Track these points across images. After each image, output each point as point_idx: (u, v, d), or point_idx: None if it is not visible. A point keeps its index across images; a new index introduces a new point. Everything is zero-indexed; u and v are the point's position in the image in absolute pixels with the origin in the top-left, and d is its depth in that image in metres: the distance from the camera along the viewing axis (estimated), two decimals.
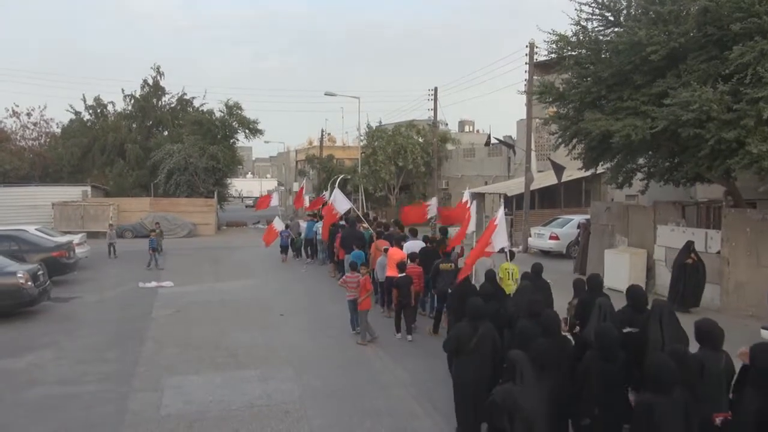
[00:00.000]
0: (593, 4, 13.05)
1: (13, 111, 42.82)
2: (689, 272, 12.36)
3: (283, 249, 21.79)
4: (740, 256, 12.28)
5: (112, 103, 44.06)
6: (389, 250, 12.29)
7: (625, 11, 12.91)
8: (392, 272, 11.29)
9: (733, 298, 12.31)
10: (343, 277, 11.68)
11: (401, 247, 12.40)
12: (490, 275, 8.66)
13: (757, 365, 4.45)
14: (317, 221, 20.57)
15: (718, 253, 12.57)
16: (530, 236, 22.54)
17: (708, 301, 12.76)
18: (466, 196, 13.78)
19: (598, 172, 17.37)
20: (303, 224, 22.08)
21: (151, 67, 42.94)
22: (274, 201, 25.47)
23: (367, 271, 11.16)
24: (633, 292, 6.81)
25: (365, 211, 28.13)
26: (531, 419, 4.91)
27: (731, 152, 10.57)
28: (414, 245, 12.82)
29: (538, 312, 6.24)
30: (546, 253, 21.07)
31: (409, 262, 11.56)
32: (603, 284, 7.96)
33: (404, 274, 10.85)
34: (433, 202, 17.11)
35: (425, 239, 13.45)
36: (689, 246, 12.47)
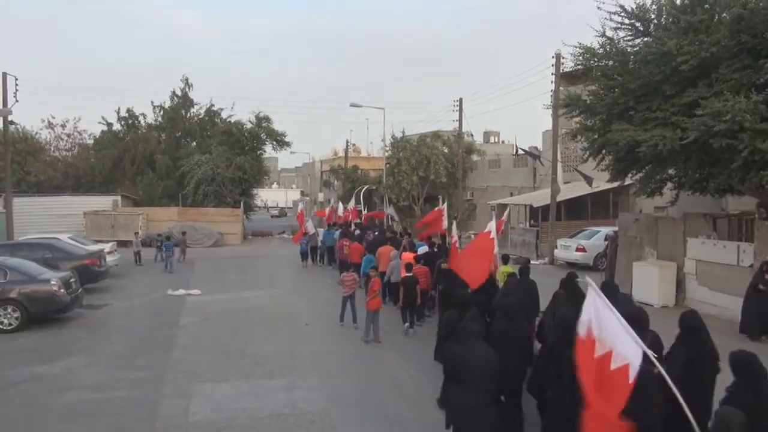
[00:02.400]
0: (622, 14, 12.93)
1: (49, 122, 44.24)
2: (764, 297, 11.09)
3: (303, 256, 22.71)
4: None
5: (143, 115, 45.10)
6: (402, 255, 13.99)
7: (655, 20, 12.76)
8: (404, 273, 12.50)
9: None
10: (341, 276, 12.88)
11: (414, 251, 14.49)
12: None
13: (682, 326, 5.87)
14: (336, 230, 22.23)
15: (751, 266, 12.29)
16: (556, 248, 22.31)
17: (740, 315, 12.46)
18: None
19: (626, 183, 17.17)
20: (320, 232, 23.50)
21: (180, 79, 43.80)
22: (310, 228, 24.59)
23: (376, 273, 12.21)
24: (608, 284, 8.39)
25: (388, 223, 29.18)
26: (469, 375, 5.69)
27: (765, 163, 10.35)
28: (425, 250, 14.92)
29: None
30: (572, 265, 20.81)
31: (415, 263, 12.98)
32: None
33: (410, 274, 12.06)
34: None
35: (431, 245, 15.21)
36: (762, 267, 11.37)
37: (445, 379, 7.08)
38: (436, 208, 18.73)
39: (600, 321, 4.70)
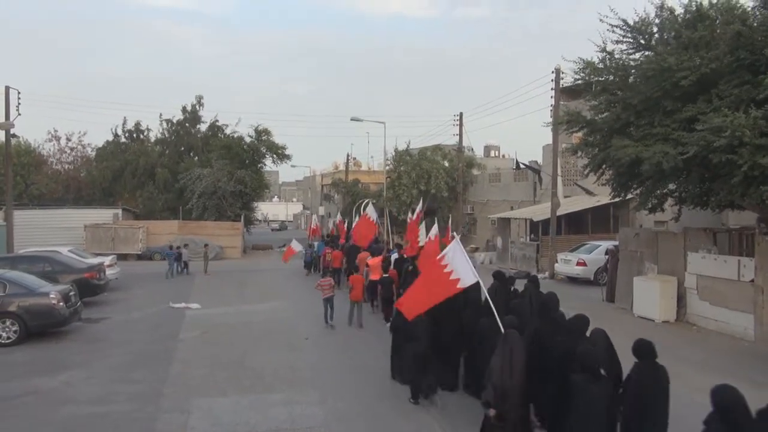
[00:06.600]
0: (624, 27, 12.97)
1: (53, 135, 44.53)
2: None
3: (307, 264, 25.14)
4: None
5: (149, 129, 45.63)
6: (370, 261, 15.77)
7: (657, 35, 12.80)
8: (375, 276, 14.66)
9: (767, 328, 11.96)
10: (319, 281, 14.25)
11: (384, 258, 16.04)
12: None
13: (540, 306, 8.01)
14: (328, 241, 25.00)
15: (752, 281, 12.27)
16: (557, 262, 22.28)
17: (741, 330, 12.43)
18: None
19: (627, 197, 17.14)
20: (316, 244, 25.96)
21: (195, 95, 44.53)
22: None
23: (356, 272, 14.44)
24: (530, 278, 10.31)
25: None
26: (415, 334, 8.36)
27: (765, 178, 10.34)
28: (396, 256, 16.43)
29: None
30: (573, 280, 20.78)
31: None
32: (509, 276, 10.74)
33: (387, 275, 13.78)
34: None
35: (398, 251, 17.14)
36: None
37: (392, 351, 9.58)
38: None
39: (454, 257, 7.85)
